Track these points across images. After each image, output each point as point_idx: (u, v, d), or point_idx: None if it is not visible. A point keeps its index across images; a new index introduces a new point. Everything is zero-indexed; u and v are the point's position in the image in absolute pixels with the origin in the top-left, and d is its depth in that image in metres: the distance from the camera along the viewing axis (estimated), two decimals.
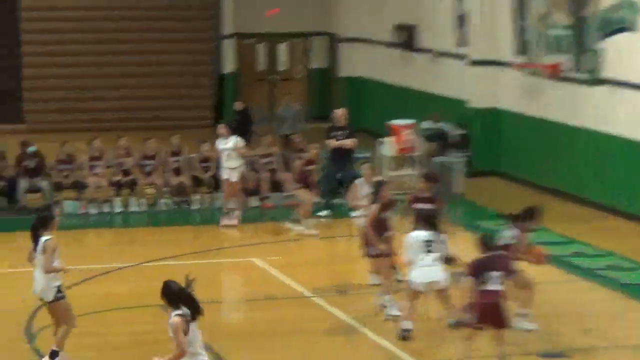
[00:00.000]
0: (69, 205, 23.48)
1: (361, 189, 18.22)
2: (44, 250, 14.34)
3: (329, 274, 19.03)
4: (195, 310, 11.07)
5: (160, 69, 33.41)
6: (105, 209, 23.59)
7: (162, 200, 23.90)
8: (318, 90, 34.91)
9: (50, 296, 14.25)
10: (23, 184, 23.42)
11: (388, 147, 25.27)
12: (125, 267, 19.27)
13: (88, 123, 31.58)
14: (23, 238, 21.17)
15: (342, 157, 23.49)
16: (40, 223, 14.67)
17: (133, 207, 23.75)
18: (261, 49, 34.82)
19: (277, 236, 21.78)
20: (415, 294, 15.10)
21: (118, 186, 23.78)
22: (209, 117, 33.05)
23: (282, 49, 34.94)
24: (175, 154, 24.13)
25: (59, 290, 14.27)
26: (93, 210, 23.45)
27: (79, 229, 22.50)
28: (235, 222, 22.15)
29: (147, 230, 22.52)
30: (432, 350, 15.20)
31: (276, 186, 24.19)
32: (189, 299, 11.04)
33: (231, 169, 22.13)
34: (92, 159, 23.84)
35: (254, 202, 23.89)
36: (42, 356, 14.56)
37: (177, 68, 33.47)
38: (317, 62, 35.07)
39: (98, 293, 17.58)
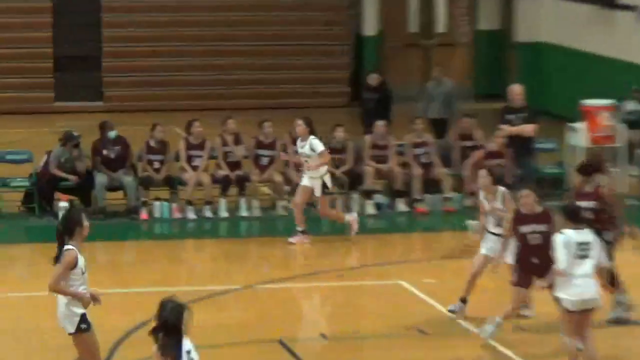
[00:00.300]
0: (159, 208, 23.68)
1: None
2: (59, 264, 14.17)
3: (499, 302, 18.80)
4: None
5: (279, 29, 33.99)
6: (207, 213, 23.65)
7: (282, 203, 23.94)
8: (487, 59, 35.08)
9: (70, 327, 14.13)
10: (101, 179, 23.55)
11: (580, 135, 24.99)
12: (234, 290, 19.45)
13: (182, 100, 32.53)
14: (103, 250, 21.81)
15: (519, 147, 23.52)
16: (64, 228, 14.38)
17: (243, 212, 23.74)
18: (413, 5, 34.95)
19: (431, 252, 21.75)
20: (570, 317, 15.05)
21: (224, 183, 23.82)
22: (343, 93, 33.12)
23: (441, 4, 35.07)
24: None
25: (82, 320, 14.09)
26: (191, 215, 23.58)
27: (172, 239, 23.03)
28: (297, 239, 21.99)
29: (262, 241, 22.73)
30: None
31: (431, 185, 24.12)
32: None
33: (312, 179, 21.92)
34: (191, 147, 23.91)
35: (402, 206, 23.82)
36: None
37: (303, 30, 33.98)
38: (487, 22, 35.18)
39: (198, 324, 17.46)
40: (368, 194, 24.10)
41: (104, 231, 22.57)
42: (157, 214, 23.56)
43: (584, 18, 31.28)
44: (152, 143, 23.97)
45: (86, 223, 14.05)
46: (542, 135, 26.28)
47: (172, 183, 23.88)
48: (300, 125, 22.00)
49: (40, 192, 23.61)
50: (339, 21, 34.25)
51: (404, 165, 24.35)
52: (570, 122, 25.76)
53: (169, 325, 11.10)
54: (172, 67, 33.82)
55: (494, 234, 17.19)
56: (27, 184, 23.91)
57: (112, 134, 23.91)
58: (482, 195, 17.55)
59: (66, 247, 13.87)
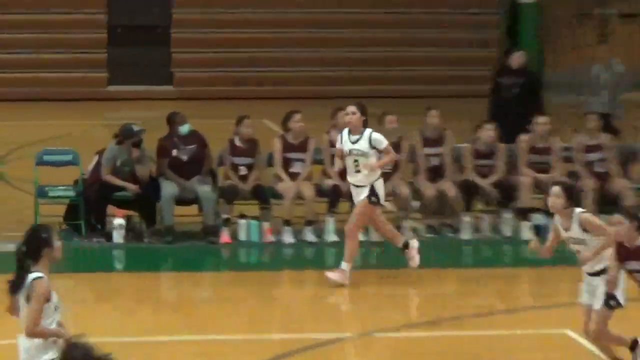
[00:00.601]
0: (246, 228, 23.77)
1: None
2: (28, 297, 14.05)
3: None
4: None
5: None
6: (309, 236, 23.73)
7: (409, 223, 23.94)
8: None
9: None
10: (169, 188, 23.63)
11: None
12: (345, 338, 19.41)
13: (275, 86, 33.18)
14: (171, 282, 21.66)
15: None
16: (28, 249, 14.31)
17: (359, 235, 23.09)
18: None
19: None
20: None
21: (333, 197, 23.88)
22: (489, 76, 32.93)
23: None
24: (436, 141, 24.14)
25: None
26: (289, 239, 23.54)
27: (262, 269, 23.27)
28: (339, 277, 21.59)
29: (382, 273, 22.63)
30: None
31: (609, 201, 24.01)
32: None
33: (357, 187, 21.55)
34: (289, 148, 23.97)
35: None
36: None
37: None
38: None
39: None
40: (524, 213, 23.97)
41: (173, 258, 23.11)
42: (242, 237, 23.63)
43: None
44: (237, 142, 24.04)
45: (57, 244, 13.96)
46: None
47: (264, 195, 23.89)
48: (353, 114, 21.45)
49: (88, 204, 23.71)
50: None
51: (572, 175, 24.19)
52: None
53: None
54: (262, 41, 34.44)
55: (588, 274, 17.16)
56: (71, 193, 24.03)
57: (184, 128, 23.83)
58: (557, 219, 17.38)
59: (32, 275, 13.81)
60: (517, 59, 28.36)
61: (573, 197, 17.20)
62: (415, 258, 21.58)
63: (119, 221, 23.16)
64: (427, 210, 24.11)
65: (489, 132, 24.19)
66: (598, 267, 16.83)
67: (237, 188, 23.64)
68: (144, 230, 23.64)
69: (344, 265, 21.35)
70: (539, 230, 23.60)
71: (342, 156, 21.50)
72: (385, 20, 34.44)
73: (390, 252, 23.07)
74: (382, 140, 21.24)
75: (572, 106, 26.14)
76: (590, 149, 24.39)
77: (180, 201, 23.60)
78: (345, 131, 21.40)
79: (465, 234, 24.22)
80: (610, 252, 16.71)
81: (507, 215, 23.93)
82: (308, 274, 22.79)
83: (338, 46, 34.10)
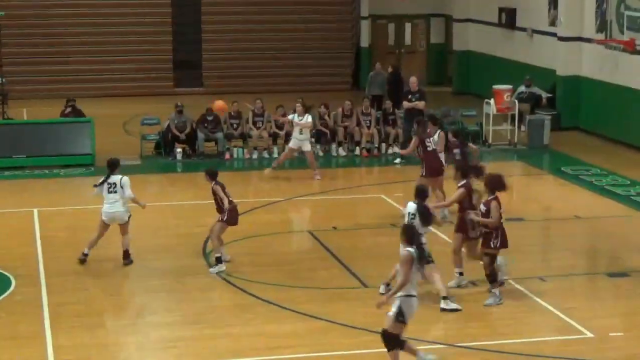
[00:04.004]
0: (237, 152, 23.45)
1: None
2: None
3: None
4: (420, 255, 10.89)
5: (311, 44, 33.52)
6: (265, 154, 23.40)
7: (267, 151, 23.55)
8: (435, 61, 34.76)
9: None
10: (202, 135, 23.30)
11: (491, 107, 25.15)
12: (280, 200, 19.30)
13: (253, 86, 31.62)
14: (202, 177, 22.05)
15: (414, 116, 22.36)
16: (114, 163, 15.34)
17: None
18: (391, 28, 34.78)
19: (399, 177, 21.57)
20: None
21: (275, 137, 23.62)
22: (349, 82, 33.32)
23: (407, 27, 34.86)
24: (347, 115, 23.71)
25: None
26: (255, 156, 23.37)
27: (244, 170, 22.61)
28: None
29: (298, 172, 21.94)
30: None
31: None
32: (419, 245, 10.95)
33: (301, 140, 20.96)
34: (255, 115, 23.68)
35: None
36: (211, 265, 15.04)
37: (325, 43, 33.62)
38: (436, 38, 34.88)
39: (258, 221, 17.86)
40: None
41: (203, 166, 22.53)
42: (235, 156, 23.26)
43: (495, 35, 31.17)
44: (232, 112, 23.54)
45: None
46: (468, 106, 26.56)
47: (245, 137, 23.58)
48: (300, 107, 21.22)
49: (165, 142, 23.32)
50: (346, 37, 33.94)
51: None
52: (485, 99, 25.83)
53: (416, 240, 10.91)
54: (244, 67, 33.09)
55: None
56: (157, 137, 23.55)
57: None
58: None
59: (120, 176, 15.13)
60: (390, 68, 27.19)
61: None
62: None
63: (178, 150, 23.00)
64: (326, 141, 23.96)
65: (347, 105, 23.72)
66: None
67: (232, 134, 23.30)
68: (190, 153, 23.23)
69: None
70: None
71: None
72: (288, 57, 33.38)
73: (305, 158, 23.29)
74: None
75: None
76: None
77: (207, 140, 23.29)
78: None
79: (340, 152, 23.38)
80: None
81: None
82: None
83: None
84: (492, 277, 13.55)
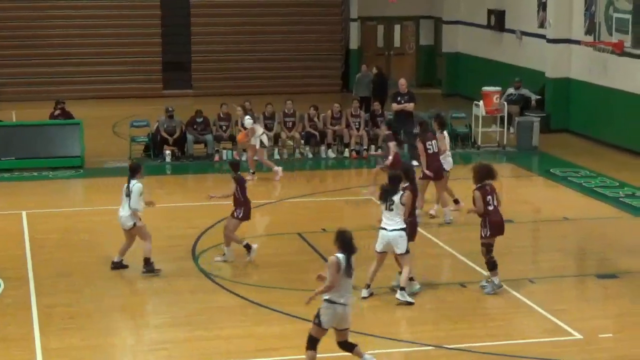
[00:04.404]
0: (226, 154, 23.33)
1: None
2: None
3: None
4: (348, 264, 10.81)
5: (300, 46, 33.51)
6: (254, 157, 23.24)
7: (299, 151, 23.68)
8: (425, 63, 34.82)
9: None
10: (191, 137, 23.33)
11: (480, 109, 25.16)
12: (269, 202, 19.26)
13: (242, 89, 31.66)
14: (191, 179, 22.04)
15: (404, 117, 22.68)
16: (135, 169, 15.14)
17: (276, 156, 23.32)
18: (380, 30, 34.80)
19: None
20: None
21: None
22: (338, 83, 33.33)
23: (397, 29, 34.89)
24: (336, 118, 23.75)
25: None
26: (244, 158, 22.67)
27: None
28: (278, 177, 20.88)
29: (287, 174, 21.74)
30: None
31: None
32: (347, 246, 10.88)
33: (256, 138, 21.02)
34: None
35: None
36: (206, 272, 15.01)
37: (315, 45, 33.62)
38: (425, 40, 34.92)
39: (247, 223, 17.55)
40: None
41: (192, 168, 22.67)
42: (224, 157, 23.12)
43: (484, 37, 31.26)
44: (221, 114, 23.48)
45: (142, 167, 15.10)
46: (457, 108, 26.60)
47: (234, 139, 23.35)
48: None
49: (154, 144, 23.30)
50: (336, 39, 33.92)
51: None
52: (474, 100, 25.86)
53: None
54: (233, 69, 33.08)
55: None
56: (146, 139, 23.50)
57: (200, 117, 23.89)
58: None
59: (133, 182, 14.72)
60: (375, 69, 27.29)
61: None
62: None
63: (167, 152, 22.91)
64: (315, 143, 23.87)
65: (337, 107, 23.70)
66: None
67: (221, 136, 23.31)
68: (179, 155, 23.19)
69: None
70: None
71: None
72: (277, 59, 33.28)
73: (293, 161, 23.31)
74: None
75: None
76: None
77: (196, 142, 23.21)
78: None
79: (329, 154, 23.37)
80: None
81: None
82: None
83: None
84: (490, 265, 13.75)
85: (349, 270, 10.75)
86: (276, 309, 13.28)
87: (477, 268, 15.00)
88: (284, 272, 15.00)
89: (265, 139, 21.41)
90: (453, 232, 17.30)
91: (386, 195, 13.34)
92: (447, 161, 18.00)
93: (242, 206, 15.15)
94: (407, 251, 13.56)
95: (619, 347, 12.15)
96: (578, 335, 12.46)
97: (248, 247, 15.40)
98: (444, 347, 12.12)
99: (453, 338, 12.38)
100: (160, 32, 32.70)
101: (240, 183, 15.20)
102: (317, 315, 10.79)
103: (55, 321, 12.93)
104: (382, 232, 13.40)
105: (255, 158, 21.32)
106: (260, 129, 21.37)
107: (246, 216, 15.32)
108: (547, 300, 13.69)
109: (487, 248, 13.75)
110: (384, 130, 18.92)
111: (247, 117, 21.36)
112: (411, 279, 13.75)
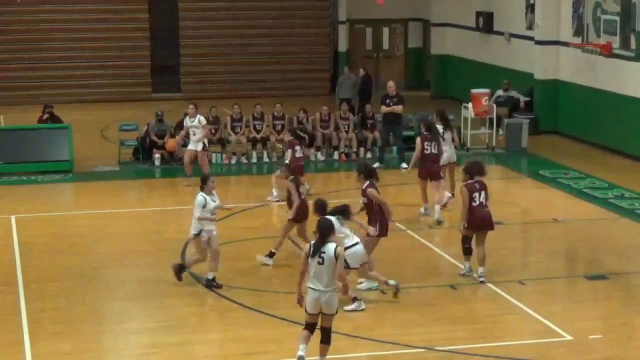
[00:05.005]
0: (216, 156, 23.36)
1: None
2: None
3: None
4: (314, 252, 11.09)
5: (288, 48, 33.55)
6: (244, 160, 23.41)
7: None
8: (413, 65, 34.93)
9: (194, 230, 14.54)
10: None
11: (469, 110, 25.19)
12: (259, 205, 19.27)
13: (231, 92, 31.72)
14: (181, 183, 21.91)
15: (392, 120, 22.73)
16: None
17: (265, 159, 23.43)
18: (368, 32, 34.86)
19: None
20: None
21: (254, 142, 23.54)
22: (327, 86, 33.34)
23: (385, 32, 34.95)
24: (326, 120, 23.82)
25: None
26: (234, 161, 23.35)
27: (223, 175, 22.18)
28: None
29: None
30: None
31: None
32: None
33: (196, 142, 20.53)
34: (233, 120, 23.62)
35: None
36: (198, 278, 14.86)
37: (303, 48, 33.65)
38: (413, 42, 35.01)
39: (237, 226, 17.83)
40: None
41: (182, 172, 22.47)
42: (214, 161, 23.10)
43: (472, 39, 31.38)
44: (210, 117, 23.19)
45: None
46: (449, 110, 26.44)
47: (223, 142, 23.50)
48: (192, 109, 20.71)
49: (143, 148, 23.25)
50: (324, 42, 33.93)
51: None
52: (463, 102, 25.89)
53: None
54: (223, 72, 33.09)
55: None
56: (135, 143, 23.47)
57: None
58: None
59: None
60: (362, 70, 27.43)
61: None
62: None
63: (157, 155, 22.79)
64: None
65: (325, 109, 23.71)
66: None
67: (211, 139, 22.56)
68: (168, 159, 23.05)
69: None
70: None
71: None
72: (265, 62, 33.30)
73: (283, 163, 23.25)
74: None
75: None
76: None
77: (185, 146, 22.27)
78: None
79: (319, 157, 23.23)
80: None
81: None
82: (244, 178, 22.27)
83: None
84: (465, 251, 14.45)
85: (314, 256, 10.94)
86: (266, 312, 13.26)
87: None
88: (274, 275, 14.99)
89: (206, 141, 20.87)
90: (443, 233, 17.33)
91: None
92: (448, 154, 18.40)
93: (295, 209, 15.20)
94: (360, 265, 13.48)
95: (608, 348, 12.17)
96: (568, 337, 12.45)
97: (272, 255, 15.34)
98: (434, 350, 12.11)
99: (443, 340, 12.37)
100: (148, 35, 32.73)
101: (292, 189, 15.24)
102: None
103: (44, 326, 12.87)
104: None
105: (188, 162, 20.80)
106: (203, 132, 20.98)
107: (298, 218, 15.28)
108: (537, 301, 13.70)
109: (464, 238, 14.35)
110: (287, 137, 19.34)
111: (201, 116, 21.09)
112: (355, 298, 13.36)
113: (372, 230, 13.81)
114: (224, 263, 15.55)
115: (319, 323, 11.11)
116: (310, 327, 11.12)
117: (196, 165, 20.68)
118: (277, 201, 19.16)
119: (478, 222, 14.15)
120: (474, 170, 14.15)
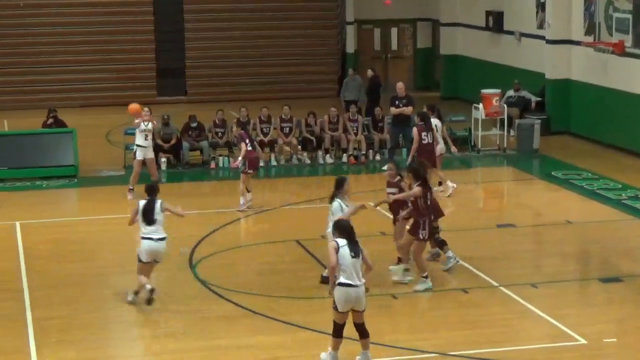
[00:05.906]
0: (222, 161, 23.38)
1: None
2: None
3: None
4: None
5: (295, 50, 33.57)
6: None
7: (296, 157, 23.67)
8: (422, 66, 34.90)
9: None
10: (187, 144, 23.32)
11: (480, 111, 25.17)
12: (267, 210, 19.27)
13: (237, 95, 31.74)
14: (187, 186, 22.01)
15: (402, 121, 22.83)
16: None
17: (273, 162, 23.38)
18: (377, 33, 34.83)
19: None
20: None
21: (261, 145, 23.03)
22: (335, 88, 33.31)
23: (394, 32, 34.93)
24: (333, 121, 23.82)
25: None
26: (241, 166, 23.48)
27: (230, 179, 22.34)
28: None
29: (284, 180, 22.26)
30: None
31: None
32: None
33: (146, 148, 20.09)
34: (239, 123, 23.72)
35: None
36: (203, 281, 14.92)
37: (310, 49, 33.67)
38: (422, 43, 35.01)
39: (245, 231, 17.89)
40: None
41: (188, 175, 22.69)
42: (220, 165, 23.20)
43: (482, 39, 31.33)
44: (217, 121, 23.56)
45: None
46: (456, 111, 26.57)
47: (230, 146, 23.47)
48: (147, 115, 20.17)
49: None
50: (332, 43, 33.92)
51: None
52: (473, 103, 25.89)
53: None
54: (228, 74, 33.11)
55: None
56: None
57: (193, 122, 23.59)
58: None
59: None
60: (369, 72, 27.30)
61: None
62: None
63: (163, 159, 22.83)
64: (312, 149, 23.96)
65: (333, 111, 23.72)
66: None
67: (217, 143, 23.36)
68: (174, 163, 23.18)
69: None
70: None
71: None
72: (273, 63, 33.34)
73: (290, 167, 23.42)
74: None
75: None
76: None
77: (192, 149, 23.21)
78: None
79: (327, 160, 23.38)
80: None
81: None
82: (252, 181, 22.52)
83: None
84: (439, 245, 15.13)
85: (352, 249, 11.15)
86: (274, 318, 13.22)
87: (480, 274, 15.05)
88: (281, 280, 15.06)
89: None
90: (455, 237, 17.29)
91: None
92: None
93: (426, 216, 14.19)
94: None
95: (623, 352, 12.13)
96: (582, 340, 12.41)
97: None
98: (448, 355, 12.08)
99: (455, 345, 12.33)
100: (153, 38, 32.79)
101: (429, 189, 14.28)
102: (334, 300, 11.20)
103: (50, 334, 12.85)
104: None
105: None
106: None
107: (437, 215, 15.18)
108: (550, 305, 13.66)
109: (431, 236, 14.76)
110: (236, 132, 19.46)
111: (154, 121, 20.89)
112: (407, 269, 14.52)
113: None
114: (231, 268, 15.56)
115: (353, 319, 11.38)
116: (340, 331, 11.29)
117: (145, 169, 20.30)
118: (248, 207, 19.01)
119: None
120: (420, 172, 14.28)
